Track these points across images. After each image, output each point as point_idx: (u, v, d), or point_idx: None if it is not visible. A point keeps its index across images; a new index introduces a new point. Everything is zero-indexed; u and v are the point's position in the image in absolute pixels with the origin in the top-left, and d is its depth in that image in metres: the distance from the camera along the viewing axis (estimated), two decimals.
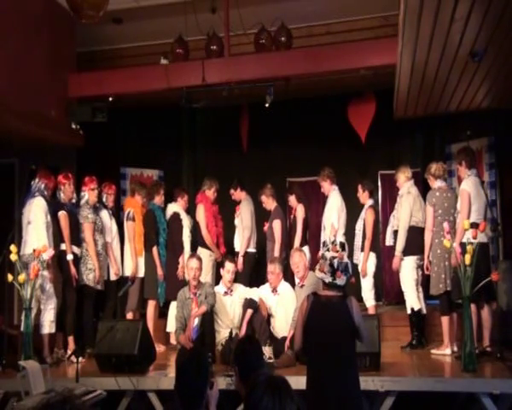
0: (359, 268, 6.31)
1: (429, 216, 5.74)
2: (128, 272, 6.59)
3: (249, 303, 5.69)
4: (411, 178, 6.17)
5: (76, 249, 6.06)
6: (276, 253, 6.57)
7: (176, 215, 6.72)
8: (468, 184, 5.45)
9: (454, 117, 7.02)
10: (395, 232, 6.08)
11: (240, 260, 6.74)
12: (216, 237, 6.89)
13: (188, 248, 6.65)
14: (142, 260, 6.59)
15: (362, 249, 6.30)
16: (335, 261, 3.50)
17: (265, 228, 6.85)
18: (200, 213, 6.80)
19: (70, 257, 5.93)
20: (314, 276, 4.46)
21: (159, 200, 6.76)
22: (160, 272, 6.53)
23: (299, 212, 6.74)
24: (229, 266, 5.94)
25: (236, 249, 6.93)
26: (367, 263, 6.25)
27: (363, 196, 6.47)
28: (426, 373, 5.01)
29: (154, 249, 6.55)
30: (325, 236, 6.39)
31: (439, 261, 5.61)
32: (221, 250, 6.89)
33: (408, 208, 5.98)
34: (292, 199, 6.80)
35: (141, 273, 6.57)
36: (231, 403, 4.84)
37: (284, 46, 6.75)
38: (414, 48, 4.62)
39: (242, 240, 6.82)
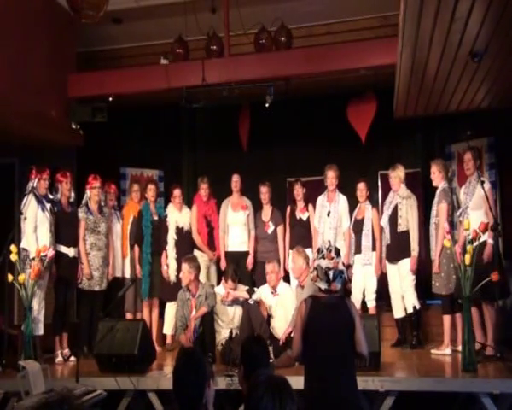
0: (370, 269, 6.33)
1: (444, 214, 5.68)
2: (128, 273, 6.64)
3: (248, 290, 5.80)
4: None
5: (64, 249, 6.04)
6: (281, 255, 6.60)
7: (165, 216, 6.75)
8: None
9: (454, 117, 7.01)
10: (401, 233, 6.06)
11: (250, 259, 6.70)
12: (207, 237, 6.79)
13: (170, 248, 6.61)
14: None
15: (373, 249, 6.34)
16: (331, 273, 3.50)
17: (267, 228, 6.82)
18: (192, 215, 6.80)
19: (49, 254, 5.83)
20: None
21: (150, 197, 6.75)
22: (137, 271, 6.55)
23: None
24: (231, 285, 5.96)
25: (230, 249, 6.82)
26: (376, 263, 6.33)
27: (365, 196, 6.49)
28: (426, 373, 5.01)
29: (136, 248, 6.60)
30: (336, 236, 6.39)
31: (449, 261, 5.60)
32: (217, 252, 6.78)
33: (417, 210, 6.07)
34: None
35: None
36: (232, 403, 4.84)
37: (284, 46, 6.76)
38: (414, 48, 4.62)
39: (251, 240, 6.77)
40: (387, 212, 6.21)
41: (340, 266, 3.56)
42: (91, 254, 6.21)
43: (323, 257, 3.56)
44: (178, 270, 6.44)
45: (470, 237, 4.95)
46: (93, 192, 6.29)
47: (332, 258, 3.54)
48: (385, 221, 6.22)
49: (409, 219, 6.04)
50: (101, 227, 6.30)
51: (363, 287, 6.35)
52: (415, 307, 5.99)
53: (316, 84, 7.03)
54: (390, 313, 6.36)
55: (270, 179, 7.02)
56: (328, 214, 6.49)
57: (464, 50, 4.62)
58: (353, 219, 6.53)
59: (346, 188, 6.71)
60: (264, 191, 6.81)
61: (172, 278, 6.53)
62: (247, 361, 3.13)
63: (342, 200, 6.57)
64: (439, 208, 5.74)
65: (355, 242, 6.46)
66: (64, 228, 6.03)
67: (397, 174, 6.18)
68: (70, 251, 6.07)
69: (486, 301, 5.26)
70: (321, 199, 6.64)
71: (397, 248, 6.09)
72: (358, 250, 6.40)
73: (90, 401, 4.35)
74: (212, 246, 6.79)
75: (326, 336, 3.41)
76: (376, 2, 6.73)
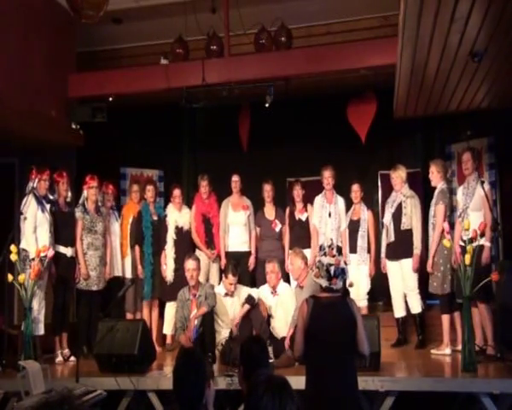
0: (365, 269, 6.36)
1: (441, 215, 5.68)
2: (128, 273, 6.64)
3: (247, 299, 5.71)
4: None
5: (63, 249, 6.04)
6: (286, 255, 6.56)
7: (164, 216, 6.75)
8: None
9: (454, 117, 7.01)
10: (404, 231, 6.06)
11: (252, 259, 6.71)
12: (205, 235, 6.78)
13: (169, 248, 6.62)
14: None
15: (368, 250, 6.38)
16: (332, 268, 3.51)
17: (274, 226, 6.76)
18: (191, 215, 6.81)
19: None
20: None
21: (148, 198, 6.75)
22: (139, 271, 6.56)
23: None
24: (231, 280, 5.92)
25: (230, 249, 6.79)
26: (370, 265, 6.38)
27: (359, 197, 6.52)
28: (426, 373, 5.01)
29: (136, 248, 6.59)
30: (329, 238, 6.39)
31: (446, 262, 5.61)
32: (216, 250, 6.76)
33: (420, 210, 6.08)
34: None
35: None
36: (232, 403, 4.84)
37: (284, 46, 6.76)
38: (414, 48, 4.62)
39: (252, 239, 6.77)
40: (391, 210, 6.19)
41: (342, 265, 3.56)
42: (88, 253, 6.21)
43: (325, 254, 3.57)
44: (176, 270, 6.46)
45: (469, 236, 4.95)
46: (90, 192, 6.29)
47: (334, 255, 3.55)
48: (388, 219, 6.20)
49: (413, 218, 6.05)
50: (97, 227, 6.28)
51: (356, 286, 6.34)
52: (422, 307, 6.02)
53: (316, 84, 7.03)
54: (390, 313, 6.37)
55: (270, 179, 7.01)
56: (330, 216, 6.51)
57: (464, 50, 4.62)
58: (348, 220, 6.57)
59: (347, 188, 6.70)
60: (268, 189, 6.81)
61: (169, 277, 6.53)
62: (246, 362, 3.13)
63: (340, 201, 6.61)
64: (436, 209, 5.75)
65: (349, 242, 6.49)
66: (62, 228, 6.03)
67: (398, 174, 6.18)
68: (68, 251, 6.08)
69: (482, 301, 5.26)
70: (320, 200, 6.64)
71: (400, 246, 6.09)
72: (354, 250, 6.44)
73: (90, 401, 4.36)
74: (211, 244, 6.78)
75: (328, 336, 3.41)
76: (376, 2, 6.73)
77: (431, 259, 5.70)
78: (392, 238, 6.14)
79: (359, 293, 6.33)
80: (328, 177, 6.57)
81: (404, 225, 6.07)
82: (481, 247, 5.17)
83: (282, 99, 6.74)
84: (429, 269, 5.72)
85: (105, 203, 6.62)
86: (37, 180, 5.81)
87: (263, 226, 6.79)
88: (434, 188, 5.93)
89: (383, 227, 6.36)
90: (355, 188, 6.54)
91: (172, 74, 6.65)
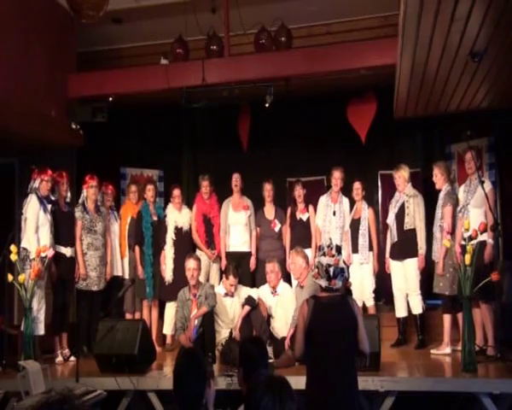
0: (368, 268, 6.35)
1: (449, 216, 5.68)
2: (127, 273, 6.63)
3: (247, 300, 5.70)
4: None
5: (62, 249, 6.03)
6: (287, 255, 6.54)
7: (164, 216, 6.75)
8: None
9: (454, 117, 7.01)
10: (408, 231, 6.05)
11: (253, 260, 6.70)
12: (206, 236, 6.78)
13: (168, 248, 6.61)
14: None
15: (370, 249, 6.37)
16: (331, 269, 3.50)
17: (274, 226, 6.75)
18: (192, 215, 6.81)
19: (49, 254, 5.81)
20: None
21: (149, 197, 6.74)
22: (139, 271, 6.54)
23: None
24: (232, 281, 5.93)
25: (231, 249, 6.80)
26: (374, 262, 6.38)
27: (361, 195, 6.51)
28: (426, 373, 5.01)
29: (136, 249, 6.58)
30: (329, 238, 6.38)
31: (455, 263, 5.59)
32: (217, 250, 6.76)
33: (424, 209, 6.07)
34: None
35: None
36: (232, 403, 4.84)
37: (284, 46, 6.76)
38: (414, 48, 4.62)
39: (253, 240, 6.77)
40: (394, 210, 6.19)
41: (341, 264, 3.56)
42: (88, 254, 6.20)
43: (324, 254, 3.56)
44: (175, 270, 6.46)
45: (469, 234, 4.95)
46: (90, 191, 6.29)
47: (333, 255, 3.54)
48: (391, 219, 6.20)
49: (416, 218, 6.04)
50: (97, 227, 6.28)
51: (360, 286, 6.35)
52: (423, 309, 6.01)
53: (316, 84, 7.03)
54: (390, 313, 6.36)
55: (270, 179, 7.01)
56: (334, 214, 6.51)
57: (464, 50, 4.62)
58: (350, 219, 6.55)
59: (347, 188, 6.70)
60: (269, 188, 6.81)
61: (168, 277, 6.53)
62: (245, 363, 3.13)
63: (345, 201, 6.61)
64: (445, 211, 5.73)
65: (352, 241, 6.48)
66: (61, 228, 6.02)
67: (401, 174, 6.17)
68: (67, 251, 6.07)
69: (484, 300, 5.26)
70: (325, 199, 6.65)
71: (403, 247, 6.08)
72: (355, 250, 6.42)
73: (90, 401, 4.36)
74: (211, 245, 6.77)
75: (328, 336, 3.41)
76: (376, 2, 6.73)
77: (441, 261, 5.66)
78: (396, 239, 6.14)
79: (364, 292, 6.33)
80: (337, 178, 6.57)
81: (407, 225, 6.06)
82: (483, 243, 5.18)
83: (282, 99, 6.74)
84: (440, 272, 5.69)
85: (104, 203, 6.62)
86: (38, 181, 5.81)
87: (262, 226, 6.79)
88: (434, 188, 5.93)
89: (387, 228, 6.35)
90: (356, 185, 6.53)
91: (172, 74, 6.65)
